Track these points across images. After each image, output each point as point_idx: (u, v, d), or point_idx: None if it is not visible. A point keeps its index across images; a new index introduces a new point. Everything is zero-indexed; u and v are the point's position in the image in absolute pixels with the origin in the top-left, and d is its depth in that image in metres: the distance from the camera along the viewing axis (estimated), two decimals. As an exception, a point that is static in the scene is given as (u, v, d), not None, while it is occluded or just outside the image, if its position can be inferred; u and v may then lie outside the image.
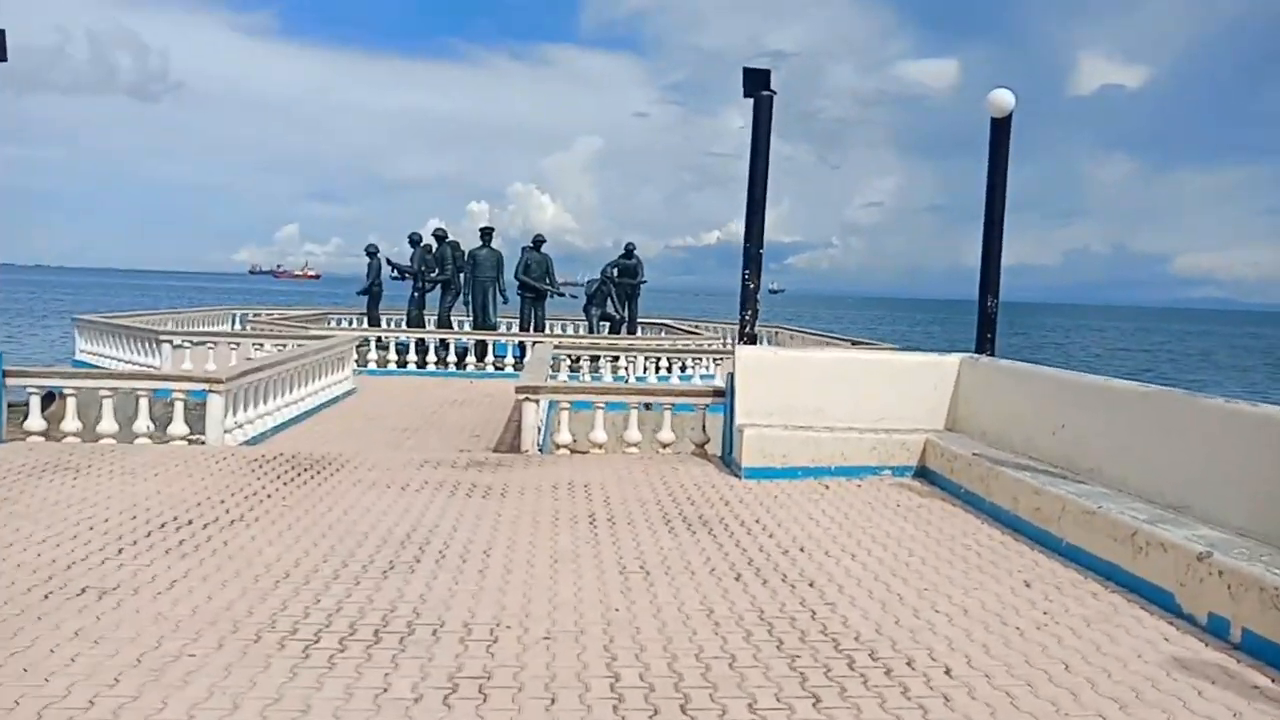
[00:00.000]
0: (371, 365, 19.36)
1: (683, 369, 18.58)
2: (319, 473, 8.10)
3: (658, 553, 5.97)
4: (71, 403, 9.86)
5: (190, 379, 10.63)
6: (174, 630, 4.44)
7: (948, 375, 8.94)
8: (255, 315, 25.59)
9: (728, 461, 8.87)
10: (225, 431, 9.92)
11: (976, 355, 9.05)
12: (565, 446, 9.73)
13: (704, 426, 9.80)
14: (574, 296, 25.62)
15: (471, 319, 21.85)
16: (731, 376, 9.12)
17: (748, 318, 9.67)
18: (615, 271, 23.01)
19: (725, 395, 9.38)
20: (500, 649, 4.34)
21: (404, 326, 22.22)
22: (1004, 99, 9.20)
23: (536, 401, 9.95)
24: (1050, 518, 6.13)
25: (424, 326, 21.87)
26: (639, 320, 24.25)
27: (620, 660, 4.24)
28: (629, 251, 23.33)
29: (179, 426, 9.81)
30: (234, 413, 10.26)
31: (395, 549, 5.90)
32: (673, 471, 8.60)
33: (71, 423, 9.71)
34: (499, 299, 21.73)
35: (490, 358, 20.10)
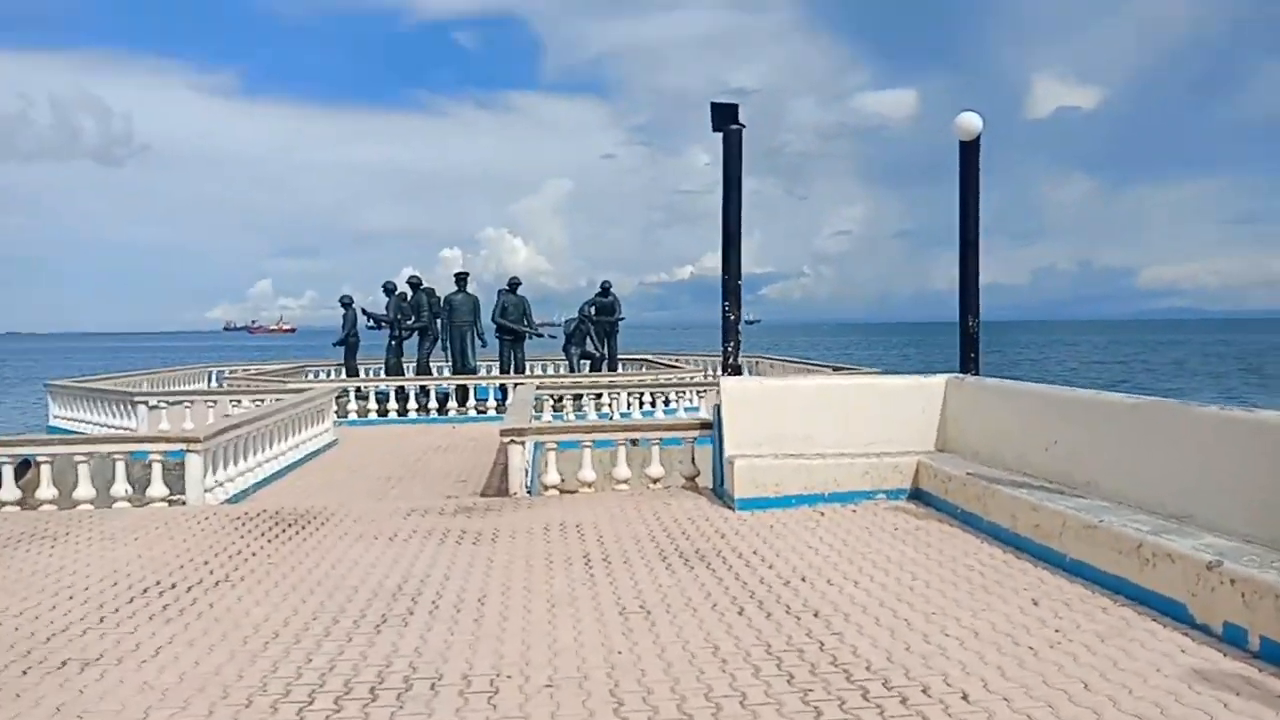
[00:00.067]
0: (352, 416, 19.16)
1: (666, 402, 18.52)
2: (304, 527, 7.92)
3: (656, 591, 5.83)
4: (46, 470, 9.63)
5: (167, 439, 10.42)
6: (161, 700, 4.25)
7: (935, 396, 8.89)
8: (231, 372, 25.35)
9: (720, 493, 8.76)
10: (205, 491, 9.72)
11: (962, 375, 9.01)
12: (554, 487, 9.58)
13: (693, 459, 9.69)
14: (552, 337, 25.62)
15: (450, 364, 21.77)
16: (718, 408, 9.04)
17: (730, 349, 9.62)
18: (593, 310, 23.10)
19: (713, 427, 9.29)
20: (502, 700, 4.19)
21: (382, 375, 22.08)
22: (971, 122, 9.26)
23: (522, 444, 9.82)
24: (1051, 534, 6.05)
25: (403, 374, 21.74)
26: (619, 357, 24.23)
27: (627, 705, 4.10)
28: (605, 290, 23.41)
29: (158, 488, 9.60)
30: (213, 471, 10.06)
31: (387, 601, 5.73)
32: (665, 506, 8.47)
33: (47, 490, 9.48)
34: (477, 343, 21.72)
35: (472, 401, 19.96)
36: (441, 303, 21.67)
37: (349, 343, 22.91)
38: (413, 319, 21.74)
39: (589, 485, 9.58)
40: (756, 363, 23.14)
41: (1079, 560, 5.74)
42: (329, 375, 23.93)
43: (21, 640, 5.11)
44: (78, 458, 9.67)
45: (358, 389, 20.66)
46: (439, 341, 21.77)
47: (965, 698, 4.07)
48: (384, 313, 22.22)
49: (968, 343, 9.32)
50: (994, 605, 5.33)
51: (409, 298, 21.88)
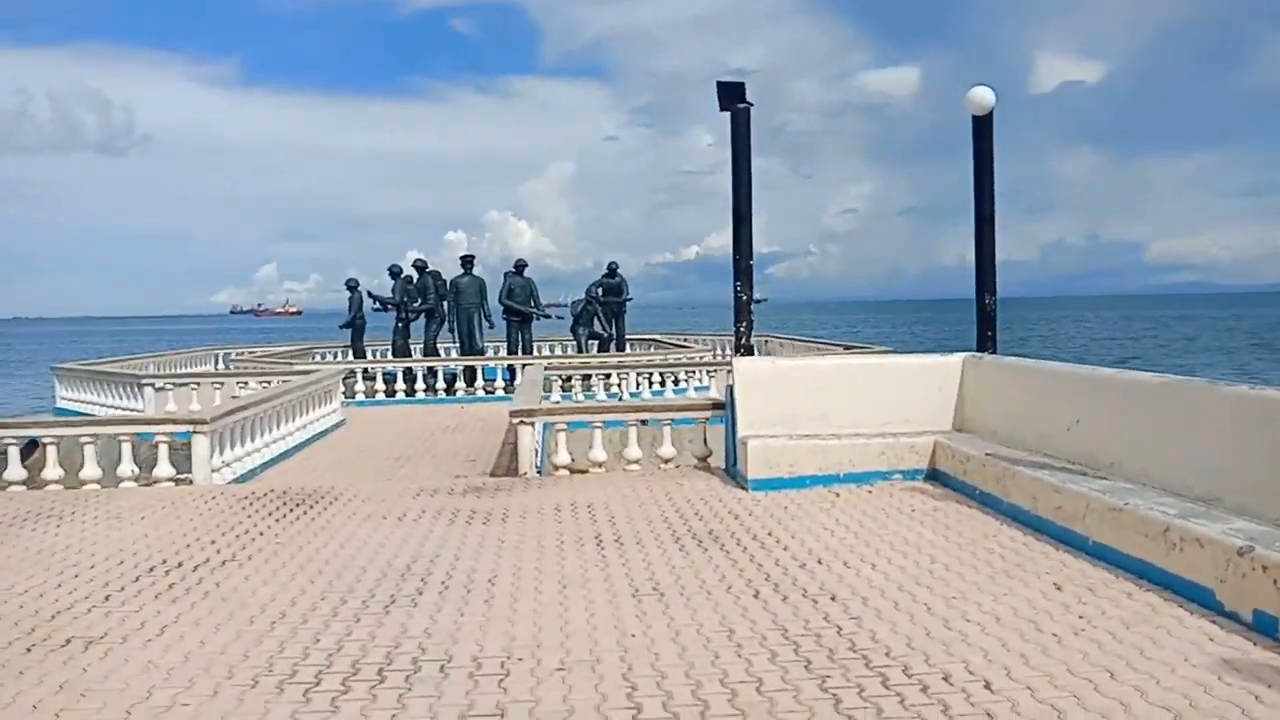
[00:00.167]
0: (359, 396, 19.08)
1: (675, 382, 18.42)
2: (312, 507, 7.83)
3: (670, 572, 5.73)
4: (52, 451, 9.57)
5: (174, 420, 10.34)
6: (165, 679, 4.17)
7: (952, 375, 8.74)
8: (239, 354, 25.29)
9: (732, 474, 8.65)
10: (213, 471, 9.65)
11: (980, 354, 8.87)
12: (564, 467, 9.49)
13: (705, 439, 9.59)
14: (559, 318, 25.53)
15: (458, 346, 21.72)
16: (731, 388, 8.92)
17: (743, 329, 9.49)
18: (600, 291, 23.05)
19: (725, 407, 9.17)
20: (513, 683, 4.09)
21: (389, 357, 22.03)
22: (984, 96, 9.09)
23: (532, 424, 9.72)
24: (1074, 516, 5.92)
25: (409, 356, 21.69)
26: (627, 337, 24.14)
27: (641, 689, 3.99)
28: (612, 270, 23.34)
29: (165, 468, 9.53)
30: (220, 452, 9.99)
31: (396, 581, 5.64)
32: (677, 487, 8.36)
33: (53, 470, 9.42)
34: (484, 325, 21.66)
35: (480, 382, 19.88)
36: (448, 285, 21.62)
37: (355, 325, 22.87)
38: (419, 302, 21.70)
39: (600, 465, 9.48)
40: (766, 341, 23.01)
41: (1103, 544, 5.61)
42: (336, 357, 23.87)
43: (26, 618, 5.04)
44: (84, 439, 9.60)
45: (365, 370, 20.58)
46: (445, 324, 21.73)
47: (988, 686, 3.94)
48: (390, 296, 22.19)
49: (985, 321, 9.17)
50: (1015, 590, 5.20)
51: (415, 280, 21.83)
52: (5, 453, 9.51)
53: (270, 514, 7.60)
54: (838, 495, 7.73)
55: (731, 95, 9.30)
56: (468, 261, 21.72)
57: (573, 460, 9.57)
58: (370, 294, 22.67)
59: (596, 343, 23.06)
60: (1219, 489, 5.43)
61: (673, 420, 9.92)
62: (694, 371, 18.70)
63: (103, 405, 18.01)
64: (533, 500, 7.95)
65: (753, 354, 9.65)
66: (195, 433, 9.62)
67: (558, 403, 14.92)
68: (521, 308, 21.79)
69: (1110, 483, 6.08)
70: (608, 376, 18.04)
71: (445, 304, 21.63)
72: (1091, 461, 6.63)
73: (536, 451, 9.75)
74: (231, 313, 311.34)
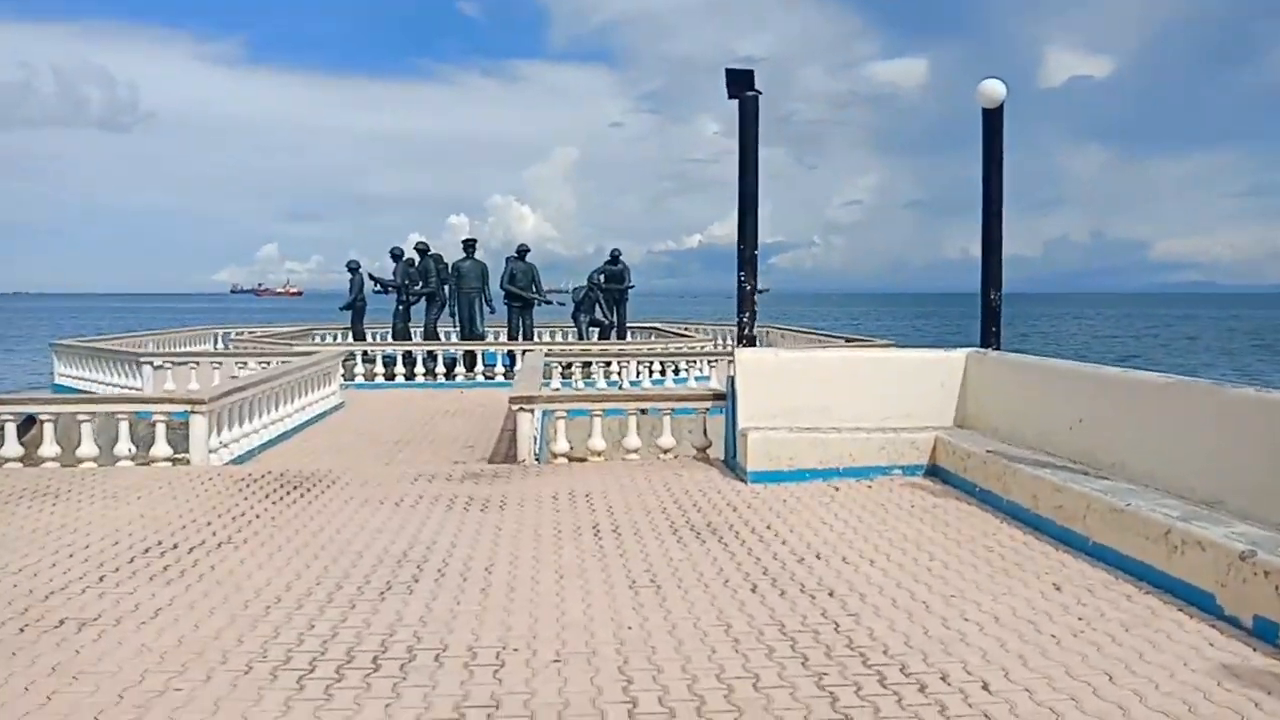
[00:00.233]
0: (359, 379, 19.05)
1: (676, 371, 18.38)
2: (309, 490, 7.80)
3: (667, 564, 5.70)
4: (49, 428, 9.54)
5: (172, 400, 10.32)
6: (158, 663, 4.15)
7: (955, 371, 8.70)
8: (238, 334, 25.24)
9: (732, 465, 8.62)
10: (210, 451, 9.61)
11: (984, 350, 8.81)
12: (563, 455, 9.45)
13: (705, 430, 9.54)
14: (561, 304, 25.47)
15: (458, 330, 21.67)
16: (732, 379, 8.87)
17: (746, 320, 9.42)
18: (602, 278, 22.99)
19: (726, 398, 9.12)
20: (508, 674, 4.06)
21: (390, 340, 21.98)
22: (995, 89, 8.99)
23: (531, 411, 9.68)
24: (1075, 516, 5.88)
25: (409, 339, 21.65)
26: (628, 325, 24.09)
27: (637, 683, 3.97)
28: (615, 257, 23.27)
29: (162, 448, 9.50)
30: (218, 432, 9.95)
31: (392, 568, 5.61)
32: (676, 477, 8.33)
33: (50, 448, 9.39)
34: (485, 309, 21.61)
35: (480, 367, 19.85)
36: (450, 269, 21.55)
37: (356, 307, 22.80)
38: (420, 285, 21.63)
39: (599, 454, 9.45)
40: (767, 332, 22.95)
41: (1103, 544, 5.58)
42: (336, 339, 23.83)
43: (20, 598, 5.02)
44: (81, 416, 9.57)
45: (365, 352, 20.54)
46: (446, 308, 21.67)
47: (986, 687, 3.92)
48: (391, 278, 22.13)
49: (989, 316, 9.10)
50: (1014, 589, 5.17)
51: (416, 263, 21.77)
52: (2, 429, 9.48)
53: (267, 496, 7.57)
54: (837, 489, 7.69)
55: (740, 83, 9.20)
56: (470, 245, 21.65)
57: (571, 448, 9.54)
58: (371, 276, 22.61)
59: (597, 330, 23.01)
60: (1222, 492, 5.39)
61: (673, 410, 9.88)
62: (695, 361, 18.67)
63: (101, 383, 17.97)
64: (531, 488, 7.92)
65: (755, 345, 9.59)
66: (193, 413, 9.58)
67: (558, 390, 14.89)
68: (523, 293, 21.74)
69: (1112, 483, 6.04)
70: (608, 364, 18.00)
71: (446, 288, 21.58)
72: (1093, 461, 6.59)
73: (535, 438, 9.72)
74: (232, 292, 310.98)
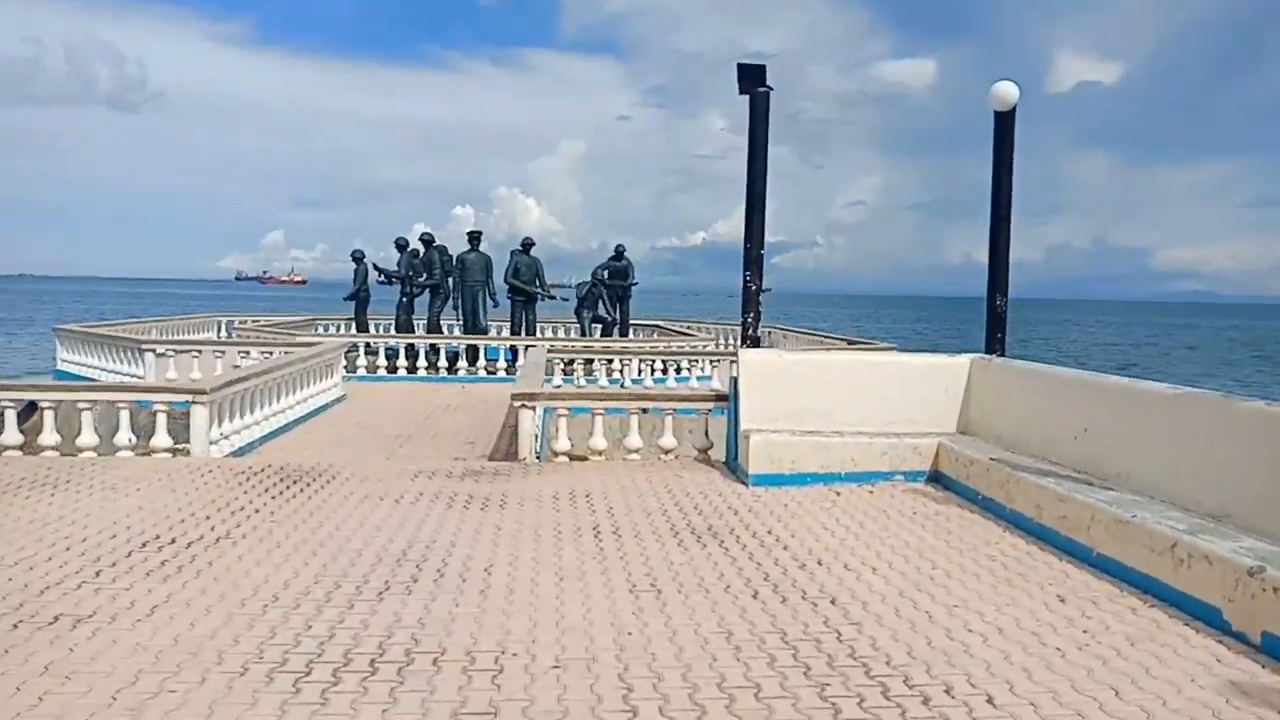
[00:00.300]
0: (361, 371, 18.99)
1: (678, 371, 18.31)
2: (309, 485, 7.76)
3: (668, 568, 5.66)
4: (50, 415, 9.50)
5: (173, 390, 10.26)
6: (153, 663, 4.10)
7: (959, 377, 8.65)
8: (241, 322, 25.20)
9: (733, 468, 8.57)
10: (211, 442, 9.57)
11: (988, 356, 8.76)
12: (564, 454, 9.41)
13: (706, 431, 9.49)
14: (564, 299, 25.40)
15: (461, 323, 21.59)
16: (735, 381, 8.81)
17: (750, 320, 9.36)
18: (606, 274, 22.91)
19: (729, 399, 9.07)
20: (506, 680, 4.02)
21: (393, 331, 21.91)
22: (1007, 92, 8.92)
23: (533, 408, 9.63)
24: (1079, 527, 5.84)
25: (413, 331, 21.57)
26: (631, 322, 24.01)
27: (637, 691, 3.93)
28: (619, 254, 23.17)
29: (162, 438, 9.46)
30: (219, 423, 9.91)
31: (391, 567, 5.57)
32: (676, 479, 8.28)
33: (50, 436, 9.35)
34: (489, 303, 21.55)
35: (482, 362, 19.79)
36: (454, 261, 21.46)
37: (360, 298, 22.73)
38: (424, 276, 21.54)
39: (600, 453, 9.40)
40: (769, 333, 22.87)
41: (1107, 556, 5.53)
42: (339, 329, 23.77)
43: (15, 592, 4.98)
44: (82, 404, 9.53)
45: (367, 344, 20.48)
46: (450, 300, 21.58)
47: (990, 701, 3.88)
48: (395, 269, 22.04)
49: (995, 322, 9.03)
50: (1018, 600, 5.13)
51: (421, 255, 21.67)
52: (2, 415, 9.44)
53: (267, 490, 7.54)
54: (838, 494, 7.65)
55: (751, 78, 9.11)
56: (474, 237, 21.52)
57: (572, 446, 9.49)
58: (376, 266, 22.53)
59: (600, 326, 22.93)
60: (1229, 505, 5.35)
61: (674, 410, 9.82)
62: (697, 360, 18.59)
63: (103, 369, 17.93)
64: (531, 487, 7.88)
65: (759, 346, 9.54)
66: (194, 403, 9.54)
67: (559, 387, 14.83)
68: (527, 287, 21.64)
69: (1117, 494, 5.99)
70: (610, 362, 17.94)
71: (450, 280, 21.49)
72: (1098, 471, 6.54)
73: (537, 436, 9.67)
74: (237, 279, 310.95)
